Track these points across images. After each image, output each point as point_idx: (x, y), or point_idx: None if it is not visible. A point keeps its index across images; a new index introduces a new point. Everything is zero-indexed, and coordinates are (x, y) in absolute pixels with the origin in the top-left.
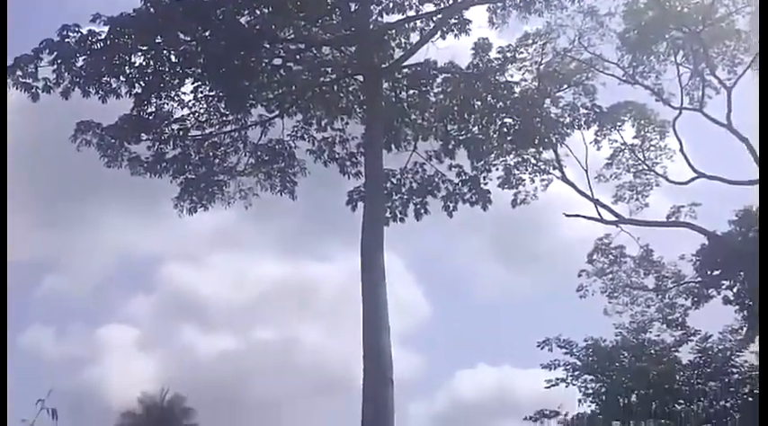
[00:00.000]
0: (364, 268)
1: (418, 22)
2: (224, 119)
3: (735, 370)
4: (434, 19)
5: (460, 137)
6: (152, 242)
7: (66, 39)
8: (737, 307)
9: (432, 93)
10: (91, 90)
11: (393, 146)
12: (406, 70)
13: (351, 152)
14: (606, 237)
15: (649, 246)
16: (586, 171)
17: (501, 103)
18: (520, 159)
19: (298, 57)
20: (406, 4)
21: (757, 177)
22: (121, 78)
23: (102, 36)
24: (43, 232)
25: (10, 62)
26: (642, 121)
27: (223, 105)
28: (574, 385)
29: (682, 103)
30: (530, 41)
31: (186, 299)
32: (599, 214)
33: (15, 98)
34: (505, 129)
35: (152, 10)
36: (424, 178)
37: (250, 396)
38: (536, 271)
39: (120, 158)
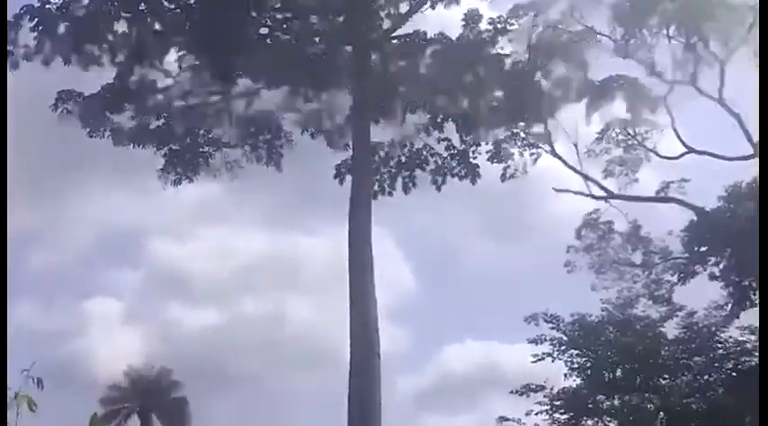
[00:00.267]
0: (352, 241)
1: None
2: (209, 89)
3: (719, 346)
4: None
5: (450, 110)
6: (136, 214)
7: (47, 6)
8: (723, 284)
9: (421, 65)
10: (72, 58)
11: (381, 119)
12: (395, 41)
13: (338, 124)
14: (595, 212)
15: (638, 222)
16: (576, 145)
17: (491, 76)
18: (509, 133)
19: (285, 26)
20: None
21: (749, 153)
22: (104, 46)
23: (85, 2)
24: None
25: None
26: (633, 95)
27: (208, 75)
28: (560, 359)
29: (674, 78)
30: (521, 13)
31: (172, 273)
32: (588, 189)
33: None
34: (495, 103)
35: None
36: (412, 151)
37: (236, 370)
38: (524, 246)
39: (102, 128)
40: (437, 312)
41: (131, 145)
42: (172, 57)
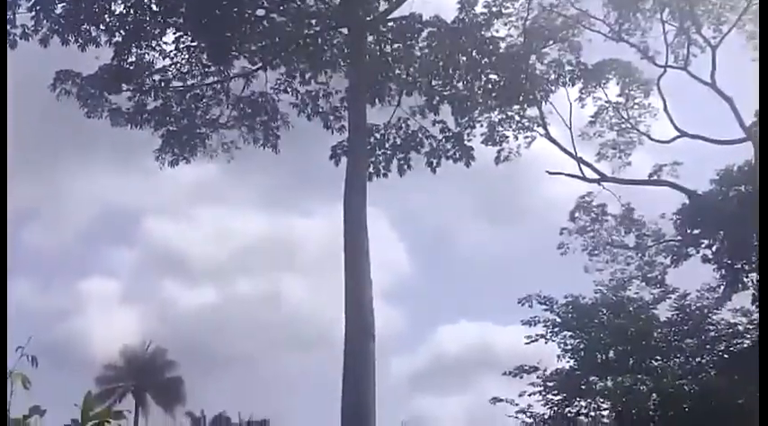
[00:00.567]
0: (347, 223)
1: None
2: (206, 70)
3: (711, 328)
4: None
5: (445, 93)
6: (133, 195)
7: None
8: (716, 266)
9: (417, 48)
10: (70, 38)
11: (377, 101)
12: (391, 23)
13: (334, 106)
14: (588, 195)
15: (631, 205)
16: (570, 128)
17: (486, 59)
18: (504, 116)
19: (281, 8)
20: None
21: (740, 137)
22: (101, 26)
23: None
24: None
25: None
26: (627, 79)
27: (205, 56)
28: (553, 341)
29: (667, 61)
30: None
31: (168, 253)
32: (581, 172)
33: None
34: (490, 86)
35: None
36: (407, 133)
37: (231, 350)
38: (518, 228)
39: (100, 109)
40: (431, 293)
41: (129, 125)
42: (169, 38)
